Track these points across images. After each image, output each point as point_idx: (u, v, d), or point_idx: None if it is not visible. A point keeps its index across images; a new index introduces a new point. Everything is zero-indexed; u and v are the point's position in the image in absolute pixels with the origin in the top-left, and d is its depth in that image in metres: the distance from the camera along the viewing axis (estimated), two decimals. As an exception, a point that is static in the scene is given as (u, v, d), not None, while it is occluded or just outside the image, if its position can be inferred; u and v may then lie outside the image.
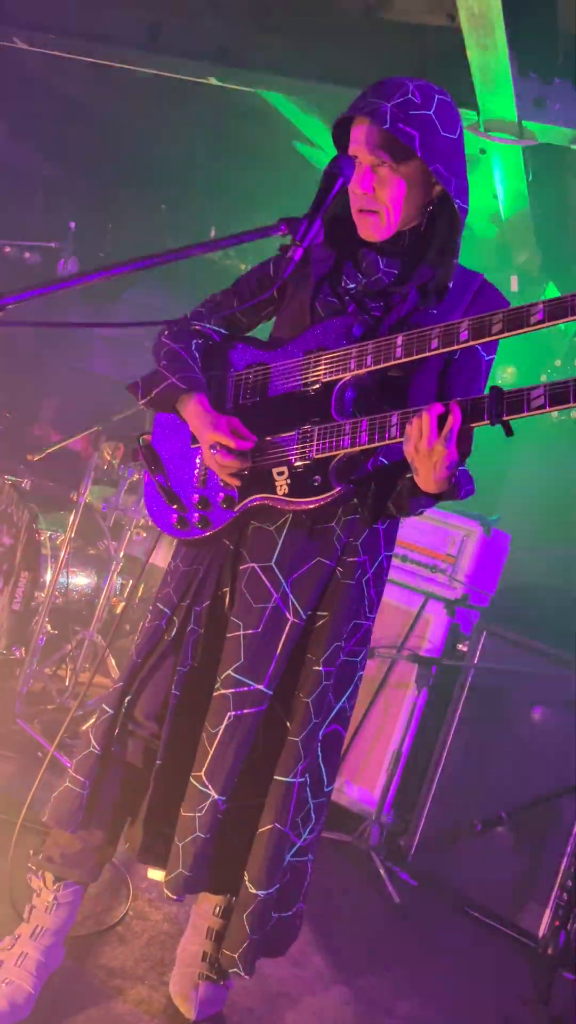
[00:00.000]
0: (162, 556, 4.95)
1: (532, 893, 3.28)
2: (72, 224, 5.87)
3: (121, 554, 4.23)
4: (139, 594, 4.72)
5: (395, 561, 4.06)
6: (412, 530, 4.06)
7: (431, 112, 1.81)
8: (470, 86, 3.20)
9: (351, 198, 1.91)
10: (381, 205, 1.88)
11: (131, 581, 4.70)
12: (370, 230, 1.92)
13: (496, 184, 4.18)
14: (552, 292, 4.92)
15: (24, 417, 5.49)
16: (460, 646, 3.84)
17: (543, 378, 4.71)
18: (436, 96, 1.84)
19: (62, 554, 4.00)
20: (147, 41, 3.86)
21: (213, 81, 3.83)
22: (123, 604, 4.60)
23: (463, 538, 3.98)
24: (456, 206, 1.87)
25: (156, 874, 2.68)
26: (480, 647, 3.69)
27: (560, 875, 3.23)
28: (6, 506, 4.41)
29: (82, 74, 4.41)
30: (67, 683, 4.13)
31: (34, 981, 2.00)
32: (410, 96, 1.81)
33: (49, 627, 4.11)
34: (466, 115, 3.35)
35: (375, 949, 2.94)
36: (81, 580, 4.48)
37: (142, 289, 6.21)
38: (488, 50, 2.99)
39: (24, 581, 4.19)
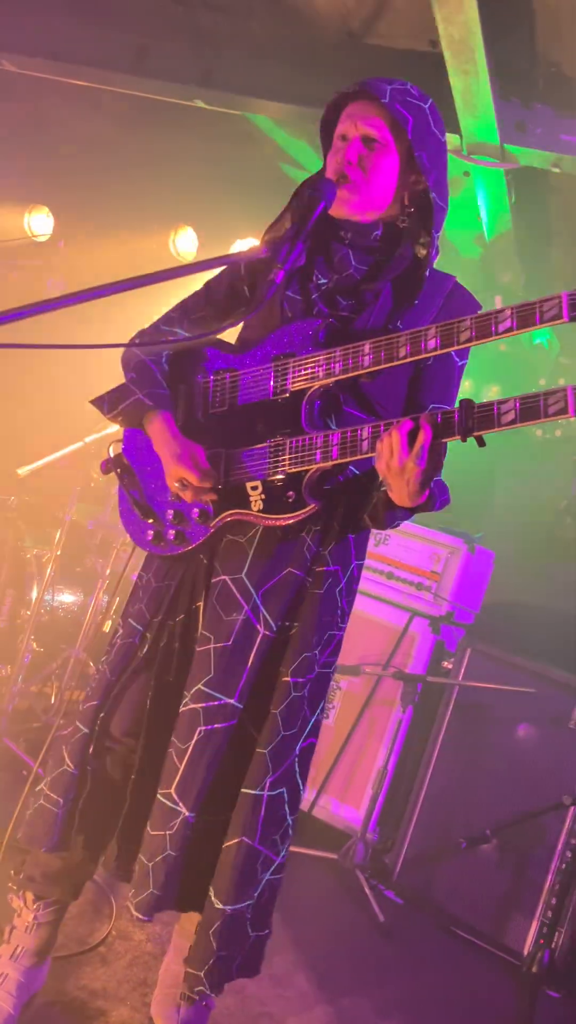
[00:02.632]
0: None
1: (517, 911, 3.28)
2: (60, 243, 5.90)
3: (108, 571, 4.23)
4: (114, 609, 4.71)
5: (380, 579, 4.07)
6: (397, 548, 4.08)
7: (426, 106, 1.88)
8: (453, 111, 3.25)
9: (330, 171, 1.93)
10: (364, 175, 1.89)
11: (118, 599, 4.70)
12: (346, 204, 1.90)
13: (480, 206, 4.23)
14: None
15: (11, 434, 5.48)
16: (445, 663, 3.85)
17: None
18: (428, 99, 1.91)
19: (48, 571, 4.00)
20: (134, 64, 3.90)
21: (200, 104, 3.87)
22: (110, 622, 4.59)
23: (448, 556, 4.00)
24: (433, 199, 1.89)
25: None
26: (465, 664, 3.70)
27: (544, 892, 3.23)
28: (-8, 524, 4.40)
29: (71, 96, 4.45)
30: (53, 701, 4.12)
31: (15, 1002, 1.99)
32: (408, 87, 1.89)
33: (35, 645, 4.11)
34: (449, 139, 3.39)
35: (359, 968, 2.93)
36: (67, 598, 4.48)
37: (127, 311, 6.23)
38: (470, 75, 3.04)
39: (10, 599, 4.19)
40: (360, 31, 3.34)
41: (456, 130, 3.35)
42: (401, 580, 4.05)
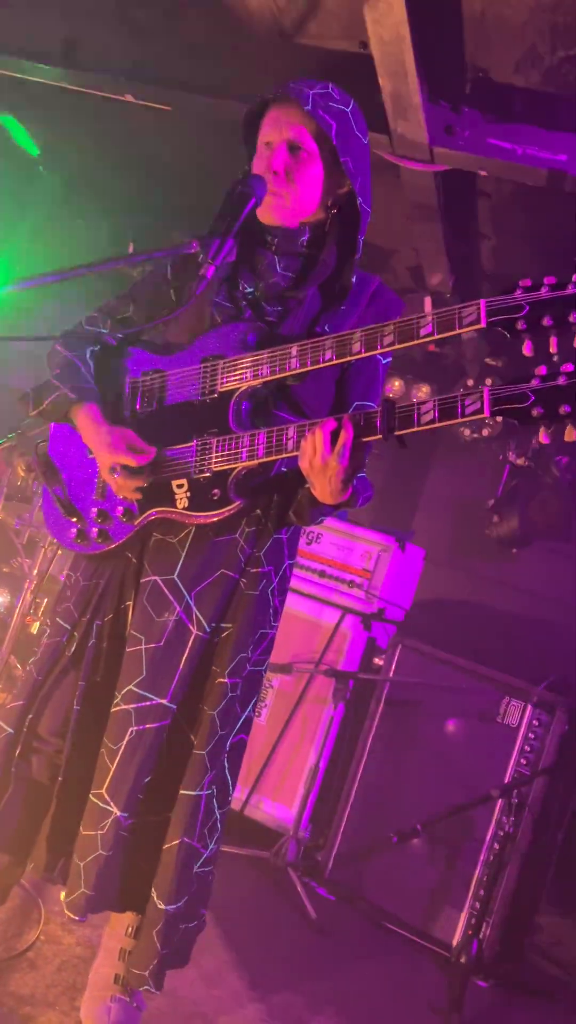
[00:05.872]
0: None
1: (446, 903, 3.34)
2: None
3: (35, 571, 4.15)
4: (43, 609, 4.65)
5: (312, 576, 4.09)
6: (329, 546, 4.10)
7: (348, 110, 1.90)
8: (383, 112, 3.27)
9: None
10: (291, 186, 1.91)
11: (45, 599, 4.62)
12: (274, 211, 1.93)
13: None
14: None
15: None
16: (376, 660, 3.89)
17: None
18: (351, 101, 1.93)
19: (-26, 572, 3.91)
20: (63, 57, 3.83)
21: (130, 98, 3.82)
22: (37, 623, 4.52)
23: (379, 553, 4.04)
24: (359, 204, 1.92)
25: (68, 897, 2.63)
26: (396, 661, 3.74)
27: (473, 884, 3.29)
28: None
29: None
30: (-21, 704, 4.04)
31: None
32: (330, 91, 1.90)
33: (-40, 647, 4.01)
34: (379, 139, 3.42)
35: (291, 966, 2.94)
36: (-6, 599, 4.39)
37: (60, 303, 6.14)
38: (399, 77, 3.07)
39: None
40: (291, 30, 3.34)
41: (386, 131, 3.38)
42: (333, 578, 4.07)
